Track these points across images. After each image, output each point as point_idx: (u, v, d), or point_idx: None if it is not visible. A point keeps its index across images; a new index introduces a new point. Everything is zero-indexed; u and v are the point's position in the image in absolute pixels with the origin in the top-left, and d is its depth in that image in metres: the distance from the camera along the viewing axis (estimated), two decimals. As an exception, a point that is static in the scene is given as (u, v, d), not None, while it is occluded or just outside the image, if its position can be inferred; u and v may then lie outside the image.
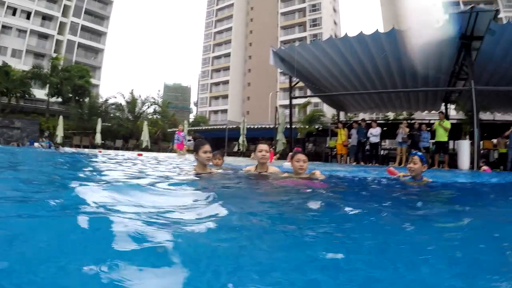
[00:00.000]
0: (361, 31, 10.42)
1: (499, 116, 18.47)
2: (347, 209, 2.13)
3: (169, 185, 3.11)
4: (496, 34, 9.43)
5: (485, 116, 17.42)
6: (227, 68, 62.90)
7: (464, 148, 11.27)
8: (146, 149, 25.04)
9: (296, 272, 1.03)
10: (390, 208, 2.61)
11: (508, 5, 40.59)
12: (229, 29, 64.46)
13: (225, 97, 61.81)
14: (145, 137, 26.29)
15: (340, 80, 14.36)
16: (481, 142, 13.51)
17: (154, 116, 40.77)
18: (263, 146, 4.33)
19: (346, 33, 10.95)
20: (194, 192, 2.90)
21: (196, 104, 71.25)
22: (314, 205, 2.37)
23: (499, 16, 18.57)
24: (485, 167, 10.13)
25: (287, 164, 6.83)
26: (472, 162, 10.69)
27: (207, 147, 4.05)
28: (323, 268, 1.09)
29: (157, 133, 36.57)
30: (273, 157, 11.70)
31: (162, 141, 37.21)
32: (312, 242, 1.40)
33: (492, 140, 14.77)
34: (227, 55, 63.49)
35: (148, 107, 39.94)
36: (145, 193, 2.43)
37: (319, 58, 12.43)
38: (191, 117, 62.99)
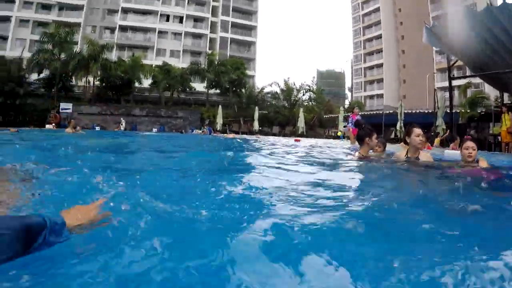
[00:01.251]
0: None
1: None
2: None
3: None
4: None
5: None
6: (380, 51, 60.12)
7: None
8: (302, 135, 26.51)
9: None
10: None
11: None
12: (377, 9, 61.26)
13: (380, 81, 59.43)
14: (301, 123, 27.98)
15: (503, 56, 12.77)
16: None
17: (310, 102, 42.53)
18: (419, 130, 4.17)
19: (504, 0, 9.76)
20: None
21: (350, 90, 70.58)
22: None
23: None
24: None
25: (449, 151, 6.67)
26: None
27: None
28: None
29: (313, 119, 38.10)
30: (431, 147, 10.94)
31: (318, 127, 38.70)
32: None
33: None
34: (379, 36, 60.60)
35: (303, 94, 41.82)
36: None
37: (477, 31, 11.26)
38: (346, 103, 62.91)
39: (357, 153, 4.69)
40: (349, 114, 17.06)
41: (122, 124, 27.49)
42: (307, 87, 41.53)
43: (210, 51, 45.34)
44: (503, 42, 11.72)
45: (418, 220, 1.56)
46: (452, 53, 12.94)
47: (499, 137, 13.73)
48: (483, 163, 3.92)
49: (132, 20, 49.15)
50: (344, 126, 27.23)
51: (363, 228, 1.41)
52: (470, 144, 3.98)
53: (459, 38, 11.89)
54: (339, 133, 27.31)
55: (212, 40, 53.09)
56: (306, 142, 13.60)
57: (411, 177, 3.68)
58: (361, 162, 4.38)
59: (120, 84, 33.91)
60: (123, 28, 48.63)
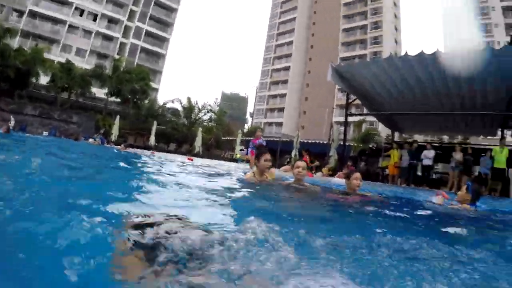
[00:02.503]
0: (422, 50, 10.13)
1: None
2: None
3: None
4: None
5: None
6: (285, 82, 63.91)
7: None
8: (197, 155, 26.19)
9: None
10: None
11: None
12: (290, 43, 65.68)
13: (281, 110, 62.73)
14: (198, 142, 27.51)
15: (397, 100, 14.34)
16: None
17: (210, 123, 42.69)
18: (268, 156, 4.57)
19: (406, 51, 10.69)
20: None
21: (251, 115, 72.97)
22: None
23: None
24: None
25: (335, 180, 7.41)
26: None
27: (267, 156, 4.55)
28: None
29: (211, 140, 38.28)
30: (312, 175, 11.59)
31: (215, 148, 38.93)
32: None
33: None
34: (287, 68, 64.61)
35: (205, 114, 41.94)
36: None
37: (377, 76, 12.32)
38: (246, 127, 64.82)
39: (248, 174, 4.89)
40: (251, 138, 17.44)
41: (10, 123, 23.56)
42: (209, 107, 41.91)
43: (118, 56, 43.15)
44: (398, 89, 13.09)
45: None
46: (351, 92, 14.29)
47: (387, 170, 15.37)
48: (367, 193, 4.64)
49: (44, 7, 43.79)
50: (241, 150, 27.91)
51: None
52: (358, 175, 4.53)
53: (360, 80, 12.99)
54: (237, 156, 27.73)
55: (122, 46, 50.43)
56: (201, 161, 13.30)
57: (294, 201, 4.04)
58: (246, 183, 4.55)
59: (16, 76, 29.48)
60: (33, 14, 42.92)
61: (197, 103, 41.36)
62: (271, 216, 2.36)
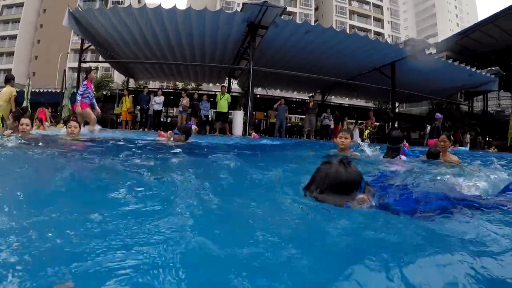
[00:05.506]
0: (160, 4, 10.88)
1: (271, 92, 21.64)
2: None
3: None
4: (279, 27, 11.41)
5: (260, 91, 20.89)
6: (17, 21, 52.14)
7: (238, 118, 13.23)
8: None
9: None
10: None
11: (305, 3, 49.15)
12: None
13: (10, 54, 51.51)
14: None
15: (133, 49, 14.50)
16: (254, 113, 15.88)
17: None
18: (25, 120, 4.97)
19: (145, 3, 11.31)
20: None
21: (-28, 63, 56.59)
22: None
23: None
24: (254, 134, 12.24)
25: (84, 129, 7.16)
26: (244, 130, 12.69)
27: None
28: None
29: None
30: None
31: None
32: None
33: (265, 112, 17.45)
34: (20, 5, 52.52)
35: None
36: None
37: (114, 24, 12.23)
38: (-31, 78, 49.78)
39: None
40: None
41: None
42: None
43: None
44: (134, 37, 13.21)
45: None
46: (88, 39, 13.50)
47: (121, 116, 15.44)
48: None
49: None
50: None
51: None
52: (72, 123, 5.23)
53: (98, 28, 12.60)
54: None
55: None
56: None
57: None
58: None
59: None
60: None
61: None
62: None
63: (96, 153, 4.22)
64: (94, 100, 7.67)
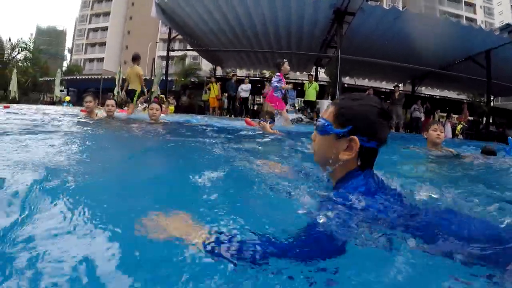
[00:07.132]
0: None
1: (359, 81, 20.88)
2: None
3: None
4: (366, 13, 10.87)
5: (347, 80, 20.15)
6: (107, 14, 56.94)
7: (324, 107, 12.93)
8: (14, 101, 21.93)
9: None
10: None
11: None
12: (112, -29, 57.85)
13: (102, 44, 56.42)
14: (13, 87, 23.15)
15: (219, 37, 14.68)
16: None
17: (25, 63, 35.09)
18: (154, 105, 5.22)
19: None
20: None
21: (70, 51, 63.19)
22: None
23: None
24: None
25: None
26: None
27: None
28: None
29: (28, 83, 32.03)
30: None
31: (32, 92, 32.98)
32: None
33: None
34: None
35: (19, 53, 34.12)
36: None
37: (200, 13, 12.49)
38: (65, 64, 55.83)
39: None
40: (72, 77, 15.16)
41: None
42: (24, 45, 34.33)
43: None
44: (220, 25, 13.34)
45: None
46: (175, 28, 14.06)
47: (208, 103, 15.82)
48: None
49: None
50: (61, 91, 24.56)
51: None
52: (154, 106, 5.23)
53: (184, 17, 13.00)
54: (66, 98, 24.40)
55: None
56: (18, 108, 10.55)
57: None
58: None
59: None
60: None
61: (10, 40, 32.78)
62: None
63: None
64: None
